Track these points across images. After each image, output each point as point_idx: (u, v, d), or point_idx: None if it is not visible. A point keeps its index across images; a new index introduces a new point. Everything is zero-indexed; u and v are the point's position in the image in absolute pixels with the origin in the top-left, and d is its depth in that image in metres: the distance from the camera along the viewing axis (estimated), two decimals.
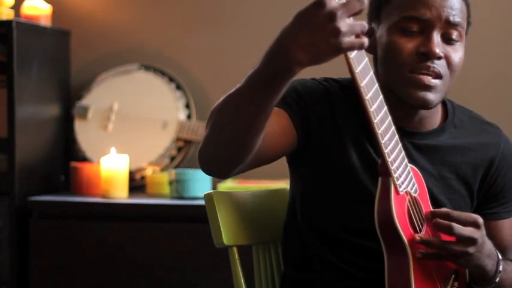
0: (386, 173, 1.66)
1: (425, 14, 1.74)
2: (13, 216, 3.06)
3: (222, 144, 1.60)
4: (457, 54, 1.77)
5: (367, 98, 1.55)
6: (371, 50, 1.79)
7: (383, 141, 1.62)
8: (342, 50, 1.39)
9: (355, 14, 1.38)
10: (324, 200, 1.82)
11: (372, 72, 1.54)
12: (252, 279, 1.92)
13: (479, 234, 1.68)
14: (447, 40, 1.76)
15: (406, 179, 1.69)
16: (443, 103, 1.89)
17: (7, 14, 3.17)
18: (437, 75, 1.75)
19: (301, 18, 1.40)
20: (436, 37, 1.74)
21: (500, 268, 1.76)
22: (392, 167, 1.65)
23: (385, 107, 1.61)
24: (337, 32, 1.37)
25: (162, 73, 3.38)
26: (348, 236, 1.80)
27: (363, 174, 1.79)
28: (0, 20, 3.11)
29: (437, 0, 1.74)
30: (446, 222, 1.66)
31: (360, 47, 1.40)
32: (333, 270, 1.81)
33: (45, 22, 3.31)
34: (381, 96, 1.59)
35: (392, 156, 1.64)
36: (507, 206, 1.91)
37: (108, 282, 3.02)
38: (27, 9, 3.30)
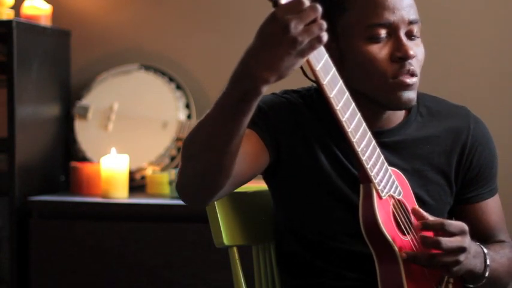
0: (367, 180, 1.66)
1: (390, 18, 1.72)
2: (13, 216, 3.06)
3: (198, 173, 1.59)
4: (420, 48, 1.77)
5: (338, 108, 1.54)
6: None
7: (359, 149, 1.61)
8: (303, 56, 1.38)
9: (310, 22, 1.36)
10: (302, 209, 1.82)
11: (340, 82, 1.53)
12: (252, 279, 1.92)
13: (467, 241, 1.68)
14: (410, 37, 1.75)
15: (388, 183, 1.68)
16: None
17: (7, 14, 3.17)
18: (413, 74, 1.74)
19: (259, 36, 1.39)
20: (404, 38, 1.73)
21: (488, 262, 1.76)
22: (372, 173, 1.64)
23: (359, 114, 1.60)
24: (294, 42, 1.35)
25: (162, 73, 3.38)
26: (331, 241, 1.80)
27: (336, 179, 1.78)
28: (0, 20, 3.11)
29: (397, 2, 1.73)
30: (433, 238, 1.66)
31: (319, 43, 1.37)
32: (326, 275, 1.81)
33: (45, 22, 3.31)
34: (353, 104, 1.58)
35: (371, 163, 1.64)
36: (487, 186, 1.90)
37: (108, 282, 3.02)
38: (27, 9, 3.30)
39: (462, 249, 1.67)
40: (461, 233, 1.67)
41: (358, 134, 1.60)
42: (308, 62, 1.44)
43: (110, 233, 3.02)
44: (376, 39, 1.73)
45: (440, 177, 1.85)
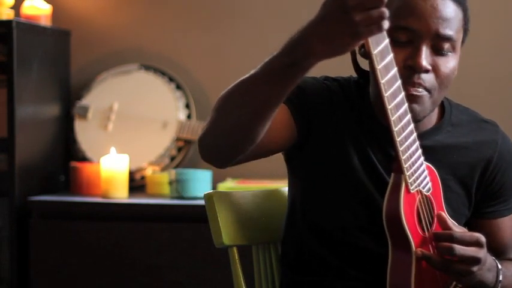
0: (399, 170, 1.65)
1: (414, 25, 1.68)
2: (13, 216, 3.06)
3: (227, 130, 1.59)
4: (447, 65, 1.71)
5: (386, 95, 1.52)
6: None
7: (398, 139, 1.59)
8: (359, 38, 1.38)
9: (372, 8, 1.35)
10: (323, 200, 1.81)
11: (395, 69, 1.51)
12: (252, 279, 1.92)
13: (483, 253, 1.67)
14: (437, 51, 1.70)
15: (419, 178, 1.67)
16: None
17: (7, 14, 3.17)
18: (425, 89, 1.70)
19: (322, 9, 1.40)
20: (425, 49, 1.68)
21: (501, 278, 1.76)
22: (406, 165, 1.63)
23: (406, 105, 1.57)
24: (351, 23, 1.35)
25: (162, 73, 3.38)
26: (347, 236, 1.79)
27: (362, 174, 1.78)
28: (0, 20, 3.11)
29: (427, 10, 1.68)
30: (447, 244, 1.65)
31: (378, 29, 1.37)
32: (333, 272, 1.81)
33: (45, 22, 3.31)
34: (402, 94, 1.55)
35: (407, 154, 1.62)
36: (506, 204, 1.90)
37: (108, 282, 3.02)
38: (27, 9, 3.30)
39: (476, 260, 1.65)
40: (477, 244, 1.66)
41: (401, 123, 1.58)
42: (366, 43, 1.43)
43: (110, 233, 3.02)
44: (396, 43, 1.67)
45: (461, 188, 1.85)
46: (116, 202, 3.07)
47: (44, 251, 3.05)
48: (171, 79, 3.37)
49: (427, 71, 1.69)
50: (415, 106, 1.70)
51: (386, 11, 1.35)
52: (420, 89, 1.70)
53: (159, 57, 3.44)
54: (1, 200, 3.11)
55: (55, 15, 3.38)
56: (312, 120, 1.78)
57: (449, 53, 1.72)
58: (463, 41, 1.77)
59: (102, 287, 3.03)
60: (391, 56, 1.49)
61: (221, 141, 1.62)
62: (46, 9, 3.32)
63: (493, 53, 3.24)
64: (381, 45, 1.46)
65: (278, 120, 1.71)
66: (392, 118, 1.56)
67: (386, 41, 1.46)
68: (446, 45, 1.70)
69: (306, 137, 1.78)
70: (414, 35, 1.69)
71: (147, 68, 3.39)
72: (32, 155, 3.19)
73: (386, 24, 1.36)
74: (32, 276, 3.06)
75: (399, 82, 1.54)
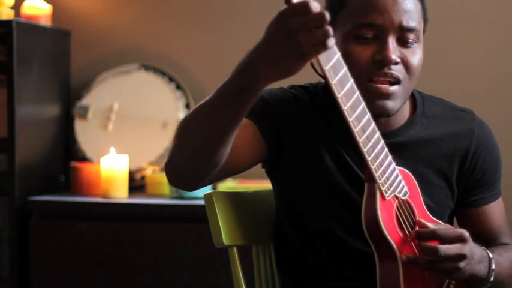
0: (371, 180, 1.65)
1: (378, 20, 1.70)
2: (13, 216, 3.06)
3: (188, 156, 1.60)
4: (415, 56, 1.73)
5: (345, 108, 1.52)
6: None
7: (365, 149, 1.59)
8: (305, 59, 1.37)
9: (316, 28, 1.34)
10: (304, 206, 1.81)
11: (351, 81, 1.51)
12: (252, 279, 1.92)
13: (468, 249, 1.66)
14: (403, 43, 1.73)
15: (393, 184, 1.67)
16: (411, 95, 1.86)
17: (7, 14, 3.17)
18: (396, 81, 1.72)
19: (266, 32, 1.40)
20: (392, 42, 1.71)
21: (493, 266, 1.75)
22: (377, 174, 1.63)
23: (368, 114, 1.57)
24: (296, 45, 1.35)
25: (162, 73, 3.38)
26: (334, 239, 1.79)
27: (339, 177, 1.78)
28: (0, 20, 3.11)
29: (388, 4, 1.70)
30: (430, 245, 1.64)
31: (323, 48, 1.36)
32: (329, 274, 1.81)
33: (45, 22, 3.31)
34: (363, 104, 1.55)
35: (377, 163, 1.62)
36: (491, 190, 1.89)
37: (108, 282, 3.02)
38: (27, 9, 3.30)
39: (461, 257, 1.65)
40: (460, 240, 1.66)
41: (365, 134, 1.58)
42: (317, 59, 1.42)
43: (110, 233, 3.02)
44: (361, 39, 1.71)
45: (441, 180, 1.84)
46: (116, 202, 3.07)
47: (44, 251, 3.05)
48: (171, 79, 3.37)
49: (396, 64, 1.71)
50: (388, 102, 1.72)
51: (330, 29, 1.35)
52: (392, 88, 1.71)
53: (159, 57, 3.44)
54: (1, 200, 3.11)
55: (55, 15, 3.38)
56: (280, 132, 1.79)
57: (415, 44, 1.74)
58: (424, 31, 1.79)
59: (102, 287, 3.03)
60: (344, 69, 1.48)
61: (184, 166, 1.64)
62: (46, 9, 3.32)
63: (493, 53, 3.24)
64: (332, 61, 1.45)
65: (245, 137, 1.72)
66: (356, 130, 1.56)
67: (338, 55, 1.45)
68: (411, 37, 1.73)
69: (277, 149, 1.79)
70: (379, 30, 1.71)
71: (147, 68, 3.39)
72: (32, 155, 3.19)
73: (331, 42, 1.36)
74: (32, 276, 3.06)
75: (357, 93, 1.53)
